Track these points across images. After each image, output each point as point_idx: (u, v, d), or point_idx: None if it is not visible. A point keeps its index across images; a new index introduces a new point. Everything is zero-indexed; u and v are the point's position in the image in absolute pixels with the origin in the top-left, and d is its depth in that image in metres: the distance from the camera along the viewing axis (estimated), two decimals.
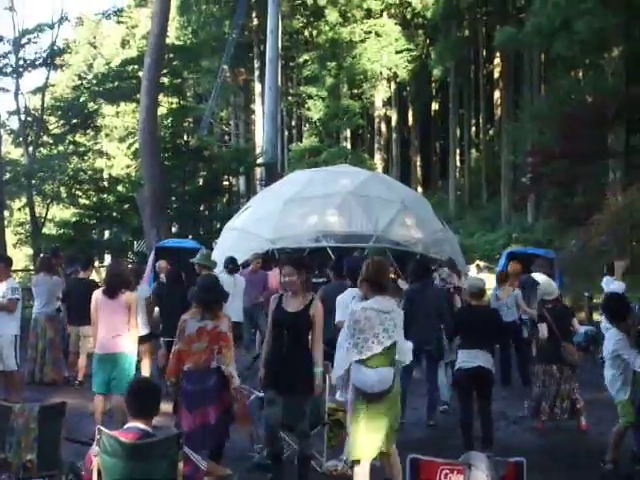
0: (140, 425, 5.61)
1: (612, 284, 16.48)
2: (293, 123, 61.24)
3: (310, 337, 7.63)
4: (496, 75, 47.34)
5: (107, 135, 50.51)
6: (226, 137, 58.43)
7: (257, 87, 49.13)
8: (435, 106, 56.64)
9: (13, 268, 12.35)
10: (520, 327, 14.09)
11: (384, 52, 46.16)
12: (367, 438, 6.92)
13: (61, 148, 38.15)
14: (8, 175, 33.42)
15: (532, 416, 10.70)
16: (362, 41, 47.18)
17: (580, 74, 39.56)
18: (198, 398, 7.70)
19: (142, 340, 12.76)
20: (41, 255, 18.95)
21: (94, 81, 39.61)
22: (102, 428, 5.57)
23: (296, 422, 7.58)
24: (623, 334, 8.31)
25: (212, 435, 7.67)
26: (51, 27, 36.43)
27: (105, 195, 34.57)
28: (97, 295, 9.68)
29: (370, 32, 47.02)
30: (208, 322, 7.88)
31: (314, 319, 7.57)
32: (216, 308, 8.03)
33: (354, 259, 12.61)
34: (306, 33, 53.54)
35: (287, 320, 7.55)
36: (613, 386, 8.49)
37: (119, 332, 9.47)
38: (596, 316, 17.81)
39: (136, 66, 36.53)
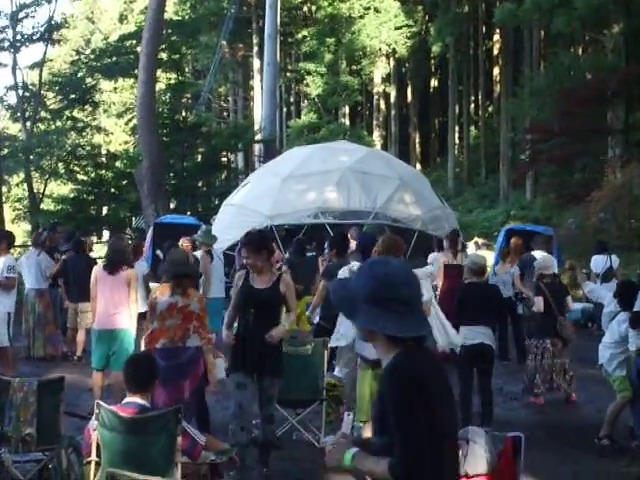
0: (138, 400, 5.64)
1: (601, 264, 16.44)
2: (292, 99, 61.01)
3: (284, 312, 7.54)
4: (495, 51, 47.15)
5: (105, 111, 50.34)
6: (224, 113, 58.26)
7: (256, 63, 48.90)
8: (434, 83, 56.46)
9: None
10: (515, 304, 14.11)
11: (383, 28, 45.91)
12: (368, 402, 7.17)
13: (59, 124, 38.08)
14: (6, 150, 33.40)
15: (527, 392, 10.77)
16: (361, 17, 46.90)
17: (580, 51, 39.43)
18: (172, 373, 7.69)
19: (142, 317, 12.81)
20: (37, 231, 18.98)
21: (92, 56, 39.50)
22: (101, 403, 5.60)
23: (262, 406, 7.37)
24: None
25: (188, 409, 7.63)
26: (49, 1, 36.34)
27: (103, 171, 34.48)
28: (97, 271, 9.68)
29: (369, 8, 46.71)
30: (178, 298, 7.85)
31: (286, 294, 7.38)
32: (186, 283, 7.98)
33: (368, 235, 12.59)
34: (305, 9, 53.21)
35: (255, 296, 7.30)
36: (611, 364, 8.63)
37: (119, 308, 9.50)
38: None
39: (134, 41, 36.43)
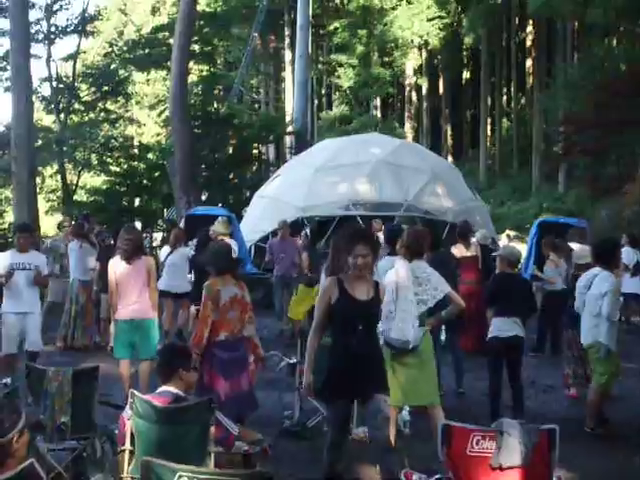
0: (172, 389, 5.67)
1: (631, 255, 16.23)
2: (323, 91, 60.98)
3: None
4: (528, 43, 46.84)
5: (137, 102, 50.61)
6: (256, 105, 58.34)
7: (287, 55, 48.95)
8: (466, 74, 56.17)
9: (45, 235, 12.35)
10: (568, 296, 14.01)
11: (415, 20, 45.70)
12: (395, 387, 7.32)
13: (92, 115, 38.42)
14: (40, 142, 33.64)
15: (564, 385, 10.71)
16: (393, 8, 46.75)
17: (614, 42, 39.04)
18: (234, 366, 7.68)
19: (183, 295, 13.13)
20: (73, 222, 19.09)
21: (125, 48, 39.80)
22: (135, 392, 5.62)
23: (378, 430, 6.54)
24: None
25: (246, 402, 7.69)
26: None
27: (135, 163, 34.69)
28: (114, 262, 9.67)
29: None
30: (237, 290, 7.80)
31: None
32: (237, 274, 7.98)
33: (395, 227, 12.58)
34: (337, 0, 53.16)
35: (360, 310, 6.24)
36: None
37: (139, 297, 9.50)
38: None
39: (166, 33, 36.67)
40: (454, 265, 11.05)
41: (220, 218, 15.75)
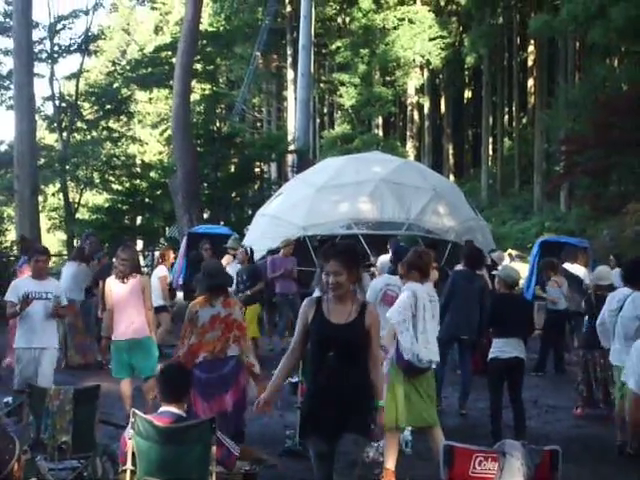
0: (173, 409, 5.66)
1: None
2: (325, 110, 61.12)
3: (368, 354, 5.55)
4: (530, 63, 46.96)
5: (140, 121, 50.72)
6: (258, 124, 58.46)
7: (289, 74, 49.04)
8: (468, 94, 56.30)
9: None
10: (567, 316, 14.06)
11: (417, 39, 45.82)
12: (403, 408, 7.45)
13: (95, 134, 38.51)
14: (42, 160, 33.73)
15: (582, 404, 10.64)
16: (395, 28, 46.87)
17: (615, 62, 39.14)
18: (214, 386, 7.69)
19: (160, 310, 13.16)
20: (79, 244, 19.09)
21: (127, 67, 39.92)
22: (136, 411, 5.61)
23: (337, 476, 5.41)
24: None
25: (229, 422, 7.59)
26: (86, 13, 36.84)
27: (138, 181, 34.72)
28: (109, 281, 9.66)
29: (403, 19, 46.71)
30: (220, 309, 7.81)
31: (370, 332, 5.52)
32: (224, 293, 7.97)
33: (403, 247, 12.58)
34: (339, 20, 53.35)
35: (333, 336, 5.44)
36: None
37: (136, 316, 9.48)
38: None
39: (169, 52, 36.77)
40: (482, 285, 11.04)
41: (233, 236, 15.93)
